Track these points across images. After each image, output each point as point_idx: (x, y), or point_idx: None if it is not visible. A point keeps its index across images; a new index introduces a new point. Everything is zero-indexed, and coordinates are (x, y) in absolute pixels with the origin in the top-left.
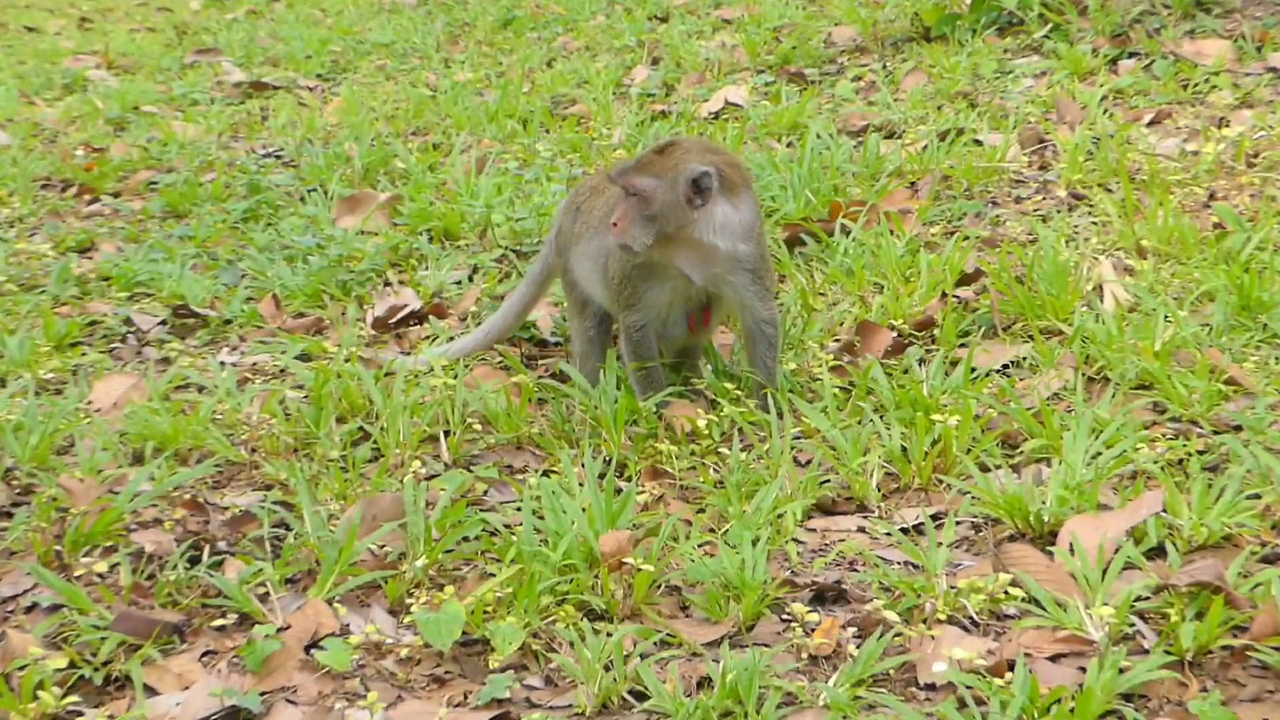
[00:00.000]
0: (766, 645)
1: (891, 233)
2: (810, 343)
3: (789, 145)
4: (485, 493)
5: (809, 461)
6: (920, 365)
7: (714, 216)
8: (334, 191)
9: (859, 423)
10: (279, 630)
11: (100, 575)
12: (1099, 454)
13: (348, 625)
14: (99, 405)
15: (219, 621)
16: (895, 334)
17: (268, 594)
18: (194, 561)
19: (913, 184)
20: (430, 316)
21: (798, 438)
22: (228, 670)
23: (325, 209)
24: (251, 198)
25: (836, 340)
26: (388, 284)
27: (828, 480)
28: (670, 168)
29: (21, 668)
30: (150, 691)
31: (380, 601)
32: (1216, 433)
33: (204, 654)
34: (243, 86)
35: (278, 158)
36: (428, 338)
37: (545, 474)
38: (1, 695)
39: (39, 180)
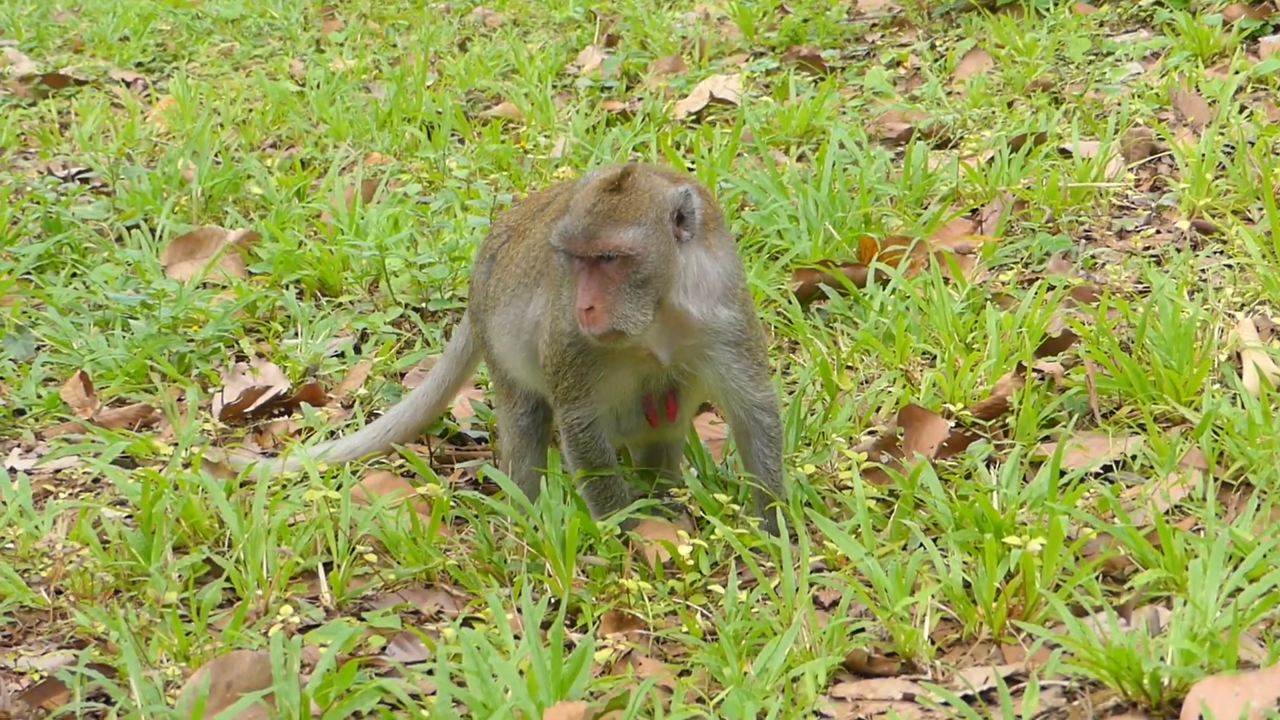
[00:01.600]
0: None
1: (947, 281)
2: (835, 436)
3: (800, 159)
4: (383, 649)
5: (835, 603)
6: (989, 467)
7: (688, 269)
8: (164, 228)
9: (904, 549)
10: None
11: None
12: (1238, 590)
13: None
14: None
15: None
16: (953, 423)
17: None
18: None
19: (975, 212)
20: (302, 403)
21: (819, 570)
22: None
23: (152, 253)
24: (49, 238)
25: (871, 432)
26: (242, 358)
27: (861, 629)
28: (646, 204)
29: None
30: None
31: None
32: None
33: None
34: (33, 81)
35: (84, 181)
36: (299, 433)
37: (466, 623)
38: None
39: None
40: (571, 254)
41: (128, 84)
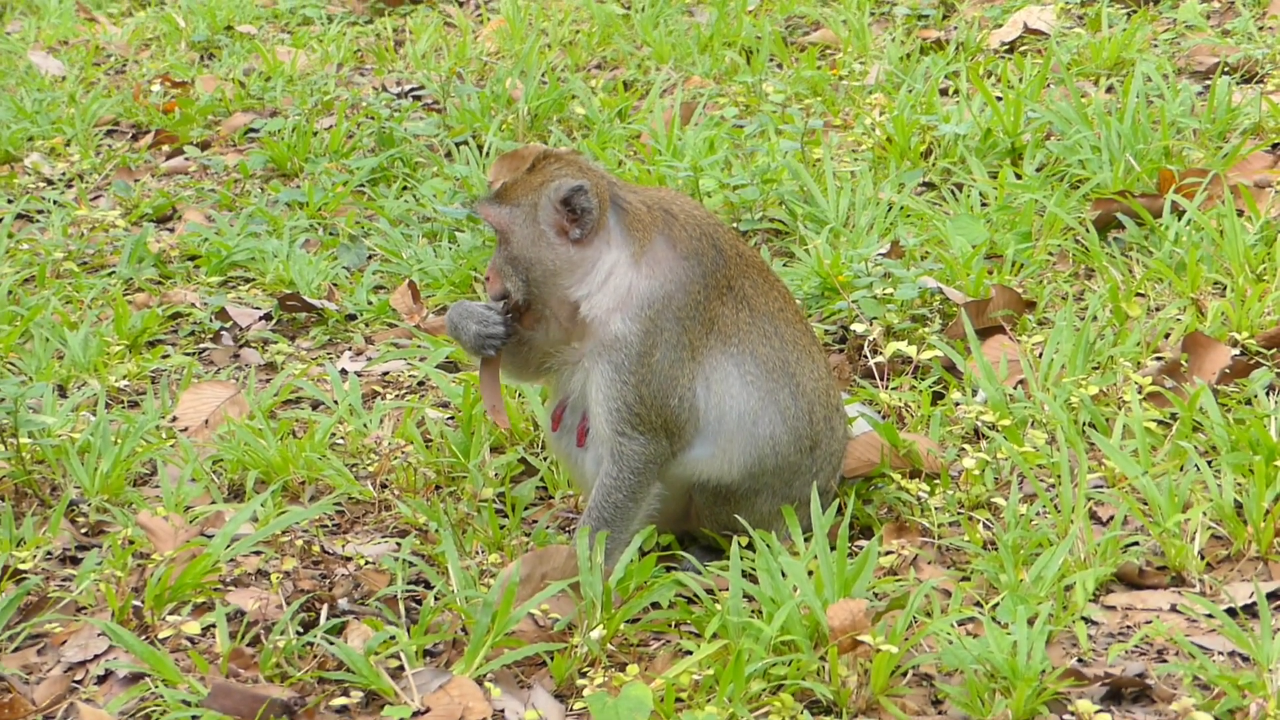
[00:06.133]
0: None
1: (1241, 214)
2: (1121, 360)
3: (1109, 91)
4: (674, 545)
5: (1110, 519)
6: (1269, 394)
7: (598, 265)
8: (491, 145)
9: (1180, 469)
10: (415, 714)
11: (191, 639)
12: None
13: (502, 710)
14: (186, 423)
15: (340, 700)
16: (1237, 351)
17: (401, 668)
18: (308, 625)
19: (1275, 147)
20: None
21: (1097, 486)
22: None
23: (479, 168)
24: (382, 152)
25: (1157, 358)
26: None
27: (1134, 543)
28: (533, 187)
29: None
30: None
31: (544, 682)
32: None
33: None
34: (370, 0)
35: (417, 98)
36: None
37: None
38: None
39: (103, 125)
40: (472, 214)
41: (460, 4)
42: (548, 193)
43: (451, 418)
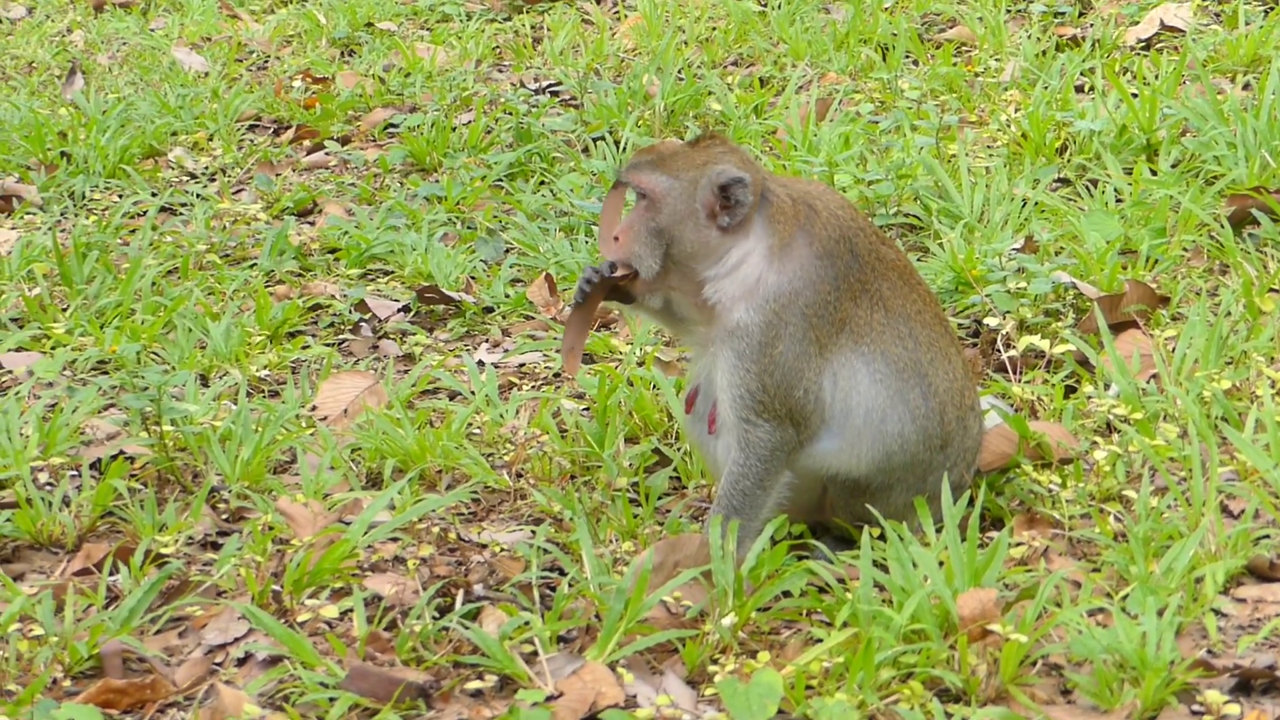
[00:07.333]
0: None
1: None
2: (1255, 355)
3: (1246, 88)
4: (806, 534)
5: (1242, 512)
6: None
7: (731, 254)
8: (628, 141)
9: None
10: (549, 699)
11: (329, 622)
12: None
13: (634, 695)
14: (325, 412)
15: (474, 684)
16: None
17: (535, 653)
18: (443, 610)
19: None
20: None
21: (1229, 480)
22: None
23: (616, 163)
24: (520, 147)
25: None
26: None
27: (1266, 536)
28: (695, 165)
29: None
30: None
31: (676, 668)
32: None
33: None
34: None
35: (554, 94)
36: None
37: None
38: None
39: (245, 120)
40: (620, 179)
41: (597, 1)
42: (710, 174)
43: (587, 408)
